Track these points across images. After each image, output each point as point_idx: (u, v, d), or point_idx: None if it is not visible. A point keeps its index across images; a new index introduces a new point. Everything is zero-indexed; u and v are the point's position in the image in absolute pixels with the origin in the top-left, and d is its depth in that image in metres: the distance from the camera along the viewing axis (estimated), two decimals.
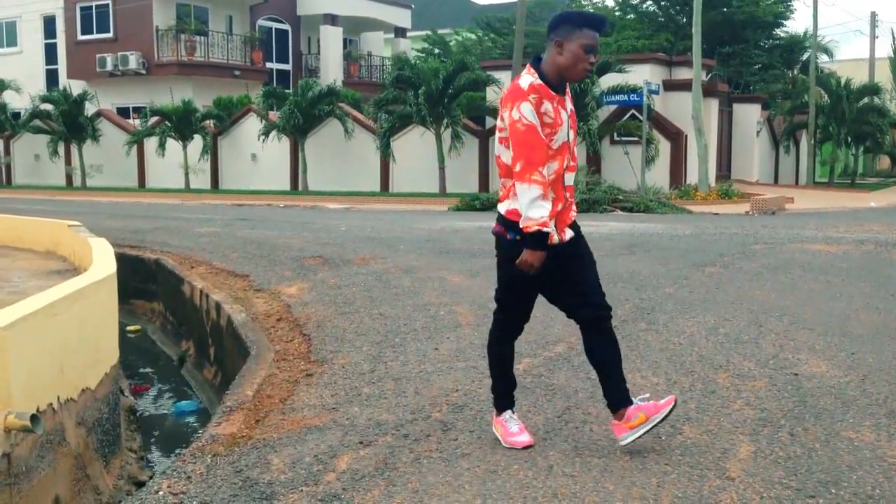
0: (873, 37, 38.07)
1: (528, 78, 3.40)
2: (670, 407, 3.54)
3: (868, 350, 5.18)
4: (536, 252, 3.34)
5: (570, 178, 3.54)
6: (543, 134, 3.34)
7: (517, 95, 3.34)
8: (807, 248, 9.79)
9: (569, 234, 3.52)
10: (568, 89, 3.55)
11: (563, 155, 3.45)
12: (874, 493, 3.16)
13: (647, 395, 3.70)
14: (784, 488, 3.21)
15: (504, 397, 3.76)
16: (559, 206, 3.47)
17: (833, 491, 3.18)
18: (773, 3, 32.00)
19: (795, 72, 34.17)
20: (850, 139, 30.18)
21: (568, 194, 3.53)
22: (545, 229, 3.32)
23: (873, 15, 38.08)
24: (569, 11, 3.56)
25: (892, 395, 4.30)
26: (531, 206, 3.30)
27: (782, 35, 34.11)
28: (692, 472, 3.36)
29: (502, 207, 3.50)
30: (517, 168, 3.33)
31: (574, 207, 3.61)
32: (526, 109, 3.31)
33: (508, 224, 3.46)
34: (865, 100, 29.83)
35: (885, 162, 39.98)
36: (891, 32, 71.82)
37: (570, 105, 3.52)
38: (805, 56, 32.58)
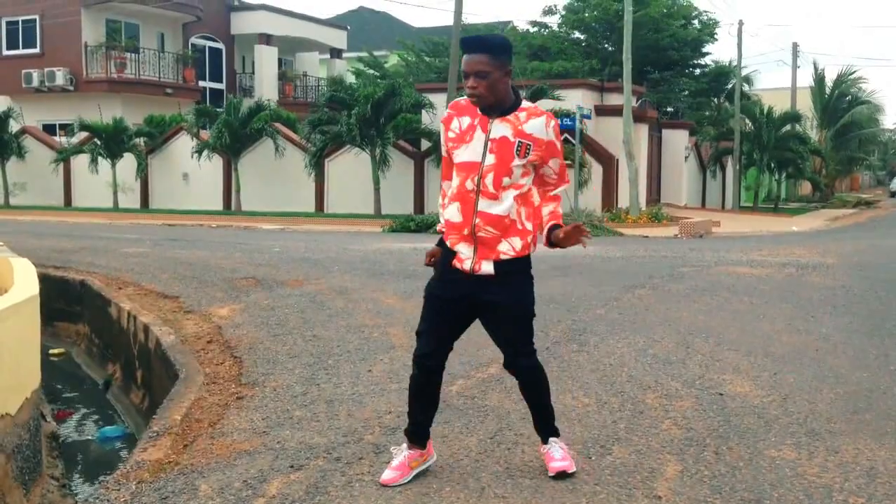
0: (795, 66, 39.60)
1: (465, 97, 3.45)
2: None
3: (789, 370, 5.35)
4: (436, 248, 3.50)
5: (488, 205, 3.34)
6: (447, 146, 3.49)
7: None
8: (732, 271, 10.06)
9: (485, 267, 3.37)
10: (513, 118, 3.35)
11: (466, 173, 3.36)
12: None
13: (405, 447, 3.60)
14: None
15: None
16: (465, 231, 3.36)
17: None
18: (694, 30, 33.10)
19: (721, 99, 35.27)
20: (772, 165, 31.23)
21: (479, 220, 3.34)
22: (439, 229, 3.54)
23: (795, 46, 39.61)
24: None
25: (813, 415, 4.44)
26: (440, 213, 3.56)
27: (708, 63, 35.25)
28: (621, 492, 3.41)
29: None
30: None
31: (508, 246, 3.37)
32: (443, 131, 3.53)
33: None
34: (787, 127, 30.94)
35: (806, 187, 41.46)
36: (813, 64, 74.55)
37: (503, 131, 3.33)
38: (730, 84, 33.65)
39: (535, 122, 3.37)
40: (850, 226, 24.18)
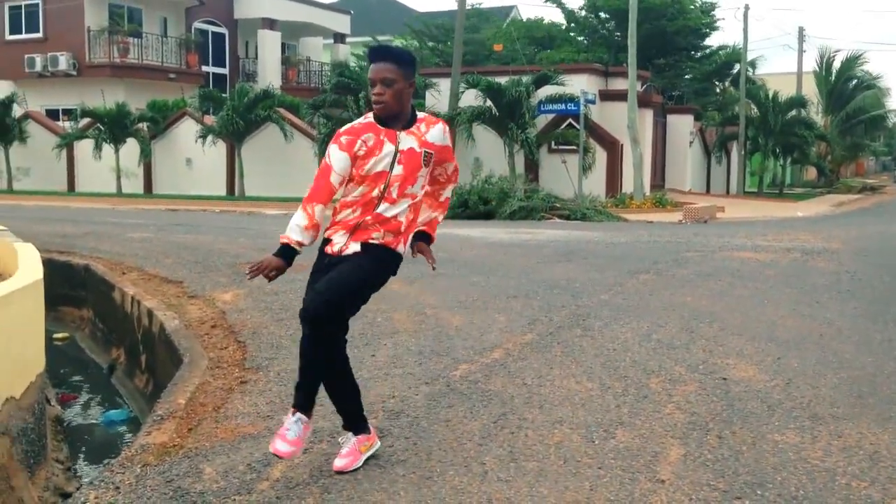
0: (801, 51, 39.41)
1: (359, 119, 3.57)
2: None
3: (793, 355, 5.34)
4: (279, 260, 3.41)
5: (385, 208, 3.48)
6: (356, 164, 3.45)
7: (334, 137, 3.52)
8: (736, 256, 10.04)
9: (352, 247, 3.50)
10: (416, 129, 3.51)
11: (375, 182, 3.45)
12: (798, 494, 3.26)
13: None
14: (712, 490, 3.28)
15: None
16: (358, 222, 3.48)
17: (759, 492, 3.27)
18: (699, 16, 32.86)
19: (727, 84, 35.08)
20: (777, 150, 31.10)
21: (370, 218, 3.48)
22: (294, 246, 3.42)
23: (801, 30, 39.41)
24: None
25: (816, 399, 4.44)
26: (293, 228, 3.43)
27: (713, 47, 35.01)
28: (624, 476, 3.42)
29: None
30: (308, 192, 3.52)
31: (380, 235, 3.51)
32: (332, 150, 3.50)
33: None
34: (793, 112, 30.78)
35: (811, 173, 41.34)
36: (818, 51, 74.31)
37: (410, 143, 3.48)
38: (735, 69, 33.47)
39: (434, 130, 3.56)
40: (856, 211, 24.10)
